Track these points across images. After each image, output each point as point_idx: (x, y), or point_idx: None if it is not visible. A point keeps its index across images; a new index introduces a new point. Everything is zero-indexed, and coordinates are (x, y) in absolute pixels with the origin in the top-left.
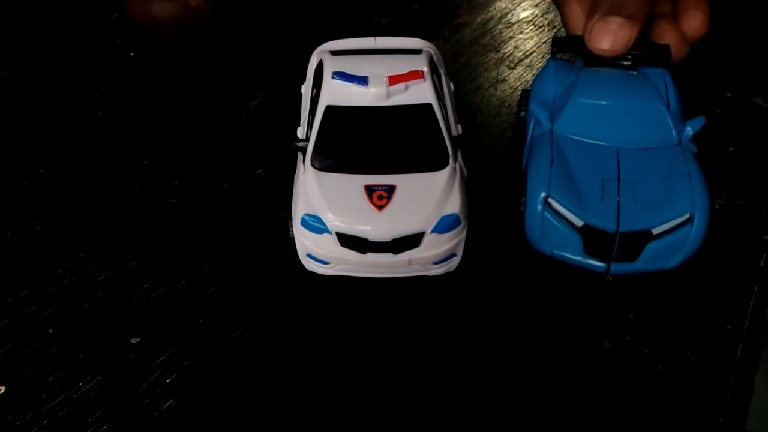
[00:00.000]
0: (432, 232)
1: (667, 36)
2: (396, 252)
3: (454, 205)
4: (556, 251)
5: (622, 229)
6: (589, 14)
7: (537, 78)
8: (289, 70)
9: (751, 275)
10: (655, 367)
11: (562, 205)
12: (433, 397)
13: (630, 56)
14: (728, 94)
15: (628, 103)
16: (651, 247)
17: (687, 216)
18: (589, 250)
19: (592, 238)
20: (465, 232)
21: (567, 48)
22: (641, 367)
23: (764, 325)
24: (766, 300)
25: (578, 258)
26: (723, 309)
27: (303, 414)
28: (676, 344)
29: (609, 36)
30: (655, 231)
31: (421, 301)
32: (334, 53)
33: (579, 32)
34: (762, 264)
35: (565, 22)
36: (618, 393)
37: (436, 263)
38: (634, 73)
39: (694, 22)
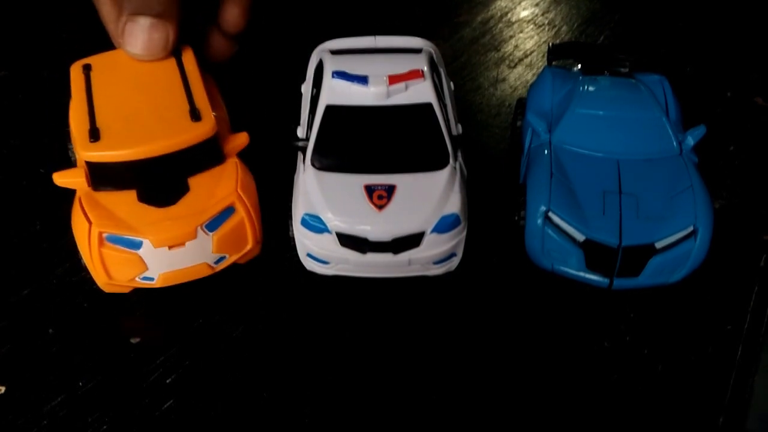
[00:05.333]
0: (432, 231)
1: (209, 38)
2: (396, 252)
3: (454, 204)
4: (557, 266)
5: (624, 243)
6: (117, 14)
7: (533, 86)
8: (289, 70)
9: (751, 275)
10: (655, 367)
11: (562, 219)
12: (434, 397)
13: (627, 63)
14: (728, 94)
15: (627, 113)
16: (654, 261)
17: (690, 229)
18: (591, 266)
19: (594, 253)
20: (465, 232)
21: (564, 55)
22: (641, 367)
23: (764, 325)
24: (766, 300)
25: (580, 273)
26: (723, 309)
27: (303, 414)
28: (676, 344)
29: (142, 37)
30: (659, 245)
31: (421, 301)
32: (334, 52)
33: (113, 35)
34: (762, 264)
35: (103, 23)
36: (618, 393)
37: (436, 263)
38: (633, 81)
39: (230, 17)
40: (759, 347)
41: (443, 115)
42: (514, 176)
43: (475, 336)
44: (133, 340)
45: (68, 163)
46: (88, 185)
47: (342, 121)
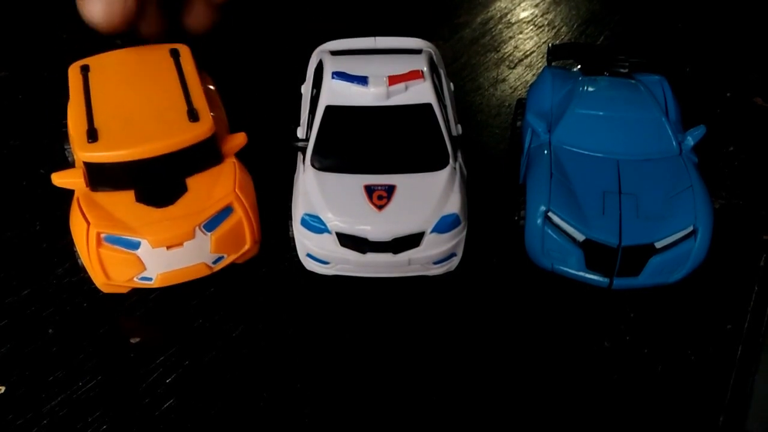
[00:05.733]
0: (432, 231)
1: (190, 5)
2: (396, 252)
3: (454, 204)
4: (557, 266)
5: (624, 243)
6: None
7: (533, 86)
8: (289, 71)
9: (751, 275)
10: (655, 367)
11: (562, 219)
12: (434, 397)
13: (627, 63)
14: (728, 94)
15: (627, 113)
16: (654, 261)
17: (690, 229)
18: (591, 265)
19: (594, 253)
20: (465, 232)
21: (563, 56)
22: (641, 367)
23: (764, 325)
24: (766, 300)
25: (580, 273)
26: (723, 309)
27: (303, 414)
28: (676, 344)
29: (100, 5)
30: (658, 245)
31: (421, 301)
32: (334, 53)
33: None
34: (762, 264)
35: None
36: (618, 393)
37: (436, 263)
38: (632, 81)
39: None
40: (759, 347)
41: (443, 115)
42: (514, 176)
43: (475, 336)
44: (133, 340)
45: (68, 163)
46: (87, 186)
47: (342, 121)
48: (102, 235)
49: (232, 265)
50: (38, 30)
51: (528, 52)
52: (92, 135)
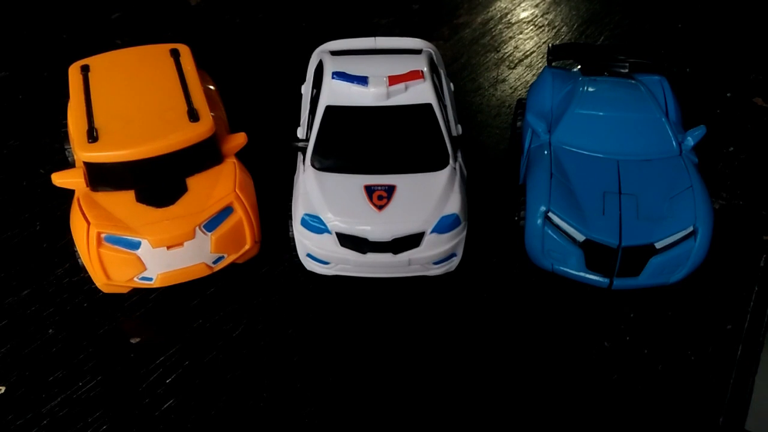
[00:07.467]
0: (432, 232)
1: None
2: (396, 252)
3: (454, 205)
4: (557, 267)
5: (624, 243)
6: None
7: (533, 87)
8: (289, 70)
9: (751, 275)
10: (655, 367)
11: (562, 219)
12: (434, 396)
13: (627, 63)
14: (728, 94)
15: (627, 113)
16: (654, 261)
17: (690, 229)
18: (591, 266)
19: (594, 253)
20: (465, 232)
21: (563, 56)
22: (641, 367)
23: (764, 325)
24: (766, 300)
25: (580, 273)
26: (723, 309)
27: (303, 414)
28: (676, 344)
29: None
30: (659, 245)
31: (421, 301)
32: (334, 53)
33: None
34: (762, 264)
35: None
36: (618, 393)
37: (436, 263)
38: (632, 81)
39: None
40: (759, 347)
41: (443, 115)
42: (514, 176)
43: (475, 336)
44: (133, 340)
45: (68, 163)
46: (87, 186)
47: (342, 121)
48: (102, 235)
49: (232, 265)
50: (38, 30)
51: (528, 52)
52: (92, 135)
